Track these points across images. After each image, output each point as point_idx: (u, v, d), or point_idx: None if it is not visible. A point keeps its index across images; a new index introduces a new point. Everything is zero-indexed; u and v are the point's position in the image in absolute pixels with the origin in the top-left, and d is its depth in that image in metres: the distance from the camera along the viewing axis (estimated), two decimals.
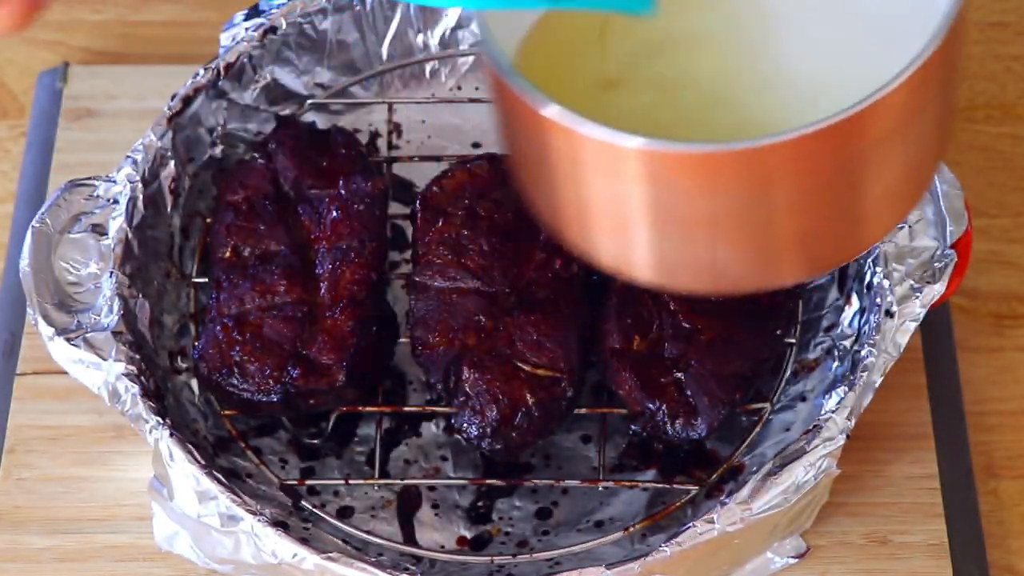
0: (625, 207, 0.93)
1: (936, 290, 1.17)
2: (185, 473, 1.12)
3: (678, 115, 1.00)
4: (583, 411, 1.20)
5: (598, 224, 0.96)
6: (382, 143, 1.35)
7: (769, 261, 0.97)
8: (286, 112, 1.33)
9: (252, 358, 1.17)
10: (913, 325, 1.16)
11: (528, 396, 1.15)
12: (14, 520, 1.20)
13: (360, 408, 1.21)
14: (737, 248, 0.95)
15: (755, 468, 1.13)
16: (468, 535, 1.20)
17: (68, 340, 1.16)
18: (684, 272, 0.98)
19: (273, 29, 1.31)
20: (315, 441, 1.23)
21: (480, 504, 1.21)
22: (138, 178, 1.22)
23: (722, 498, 1.13)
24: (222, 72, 1.29)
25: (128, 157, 1.23)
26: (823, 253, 0.99)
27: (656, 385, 1.16)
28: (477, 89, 1.38)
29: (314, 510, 1.19)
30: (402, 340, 1.21)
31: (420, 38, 1.37)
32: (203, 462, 1.13)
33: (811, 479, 1.11)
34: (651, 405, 1.16)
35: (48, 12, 1.36)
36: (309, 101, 1.34)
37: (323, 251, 1.21)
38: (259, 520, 1.11)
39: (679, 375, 1.16)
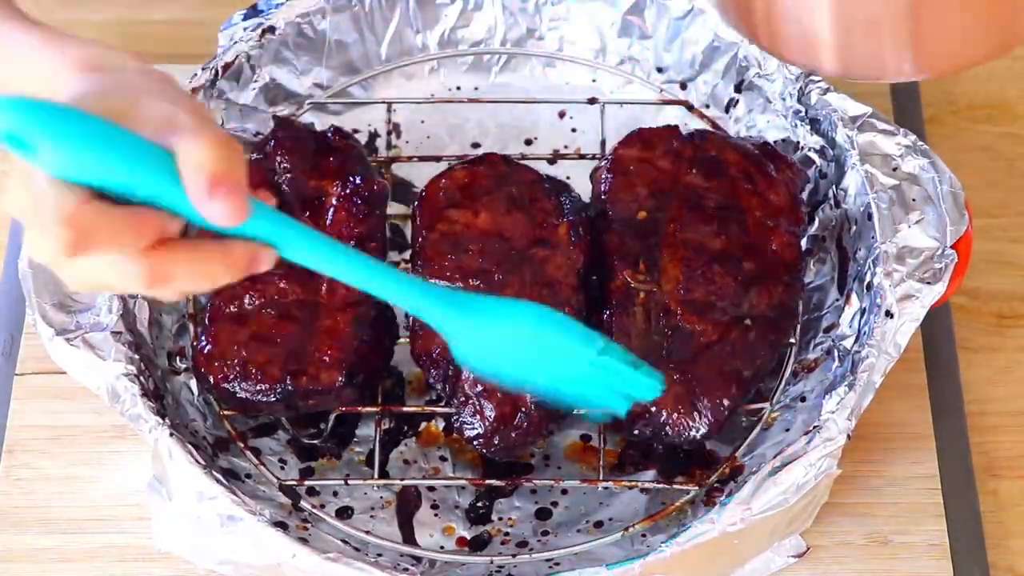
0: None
1: (936, 290, 1.16)
2: (184, 473, 1.12)
3: None
4: (583, 411, 1.20)
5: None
6: (381, 143, 1.35)
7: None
8: (285, 112, 1.33)
9: (252, 358, 1.17)
10: (913, 325, 1.16)
11: (528, 396, 1.15)
12: (14, 520, 1.20)
13: (360, 408, 1.21)
14: None
15: (755, 468, 1.13)
16: (468, 535, 1.19)
17: (67, 340, 1.16)
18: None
19: (272, 29, 1.31)
20: (314, 441, 1.23)
21: (480, 504, 1.21)
22: None
23: (722, 498, 1.13)
24: (220, 72, 1.29)
25: None
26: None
27: None
28: (476, 89, 1.38)
29: (313, 510, 1.18)
30: (402, 340, 1.21)
31: (419, 38, 1.37)
32: (202, 462, 1.13)
33: (811, 479, 1.11)
34: (651, 406, 1.16)
35: (49, 12, 1.36)
36: (308, 101, 1.34)
37: None
38: (259, 520, 1.11)
39: (679, 376, 1.16)
